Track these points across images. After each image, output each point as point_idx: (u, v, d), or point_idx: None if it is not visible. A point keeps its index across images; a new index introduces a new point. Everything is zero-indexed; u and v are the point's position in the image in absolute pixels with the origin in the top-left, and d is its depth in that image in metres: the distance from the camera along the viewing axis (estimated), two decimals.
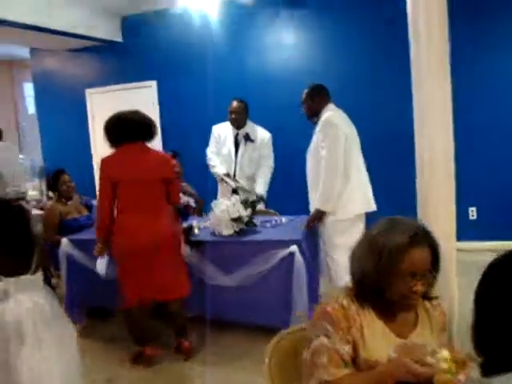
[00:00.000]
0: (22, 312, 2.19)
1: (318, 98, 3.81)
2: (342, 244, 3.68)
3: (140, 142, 3.38)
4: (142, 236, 3.29)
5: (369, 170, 3.87)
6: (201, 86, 6.39)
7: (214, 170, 4.85)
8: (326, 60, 6.03)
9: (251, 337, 3.73)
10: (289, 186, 5.42)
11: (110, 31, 6.53)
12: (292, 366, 1.99)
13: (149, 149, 3.46)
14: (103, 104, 6.97)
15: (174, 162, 3.60)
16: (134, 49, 6.69)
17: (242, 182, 4.69)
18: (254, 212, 3.89)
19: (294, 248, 3.49)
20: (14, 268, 2.26)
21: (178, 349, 3.62)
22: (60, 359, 2.24)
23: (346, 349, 1.61)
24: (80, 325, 3.81)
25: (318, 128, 3.74)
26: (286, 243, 3.54)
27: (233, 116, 4.73)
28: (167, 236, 3.41)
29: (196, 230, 3.84)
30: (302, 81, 5.53)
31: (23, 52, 7.62)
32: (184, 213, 3.76)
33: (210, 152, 4.90)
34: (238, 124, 4.73)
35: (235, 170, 4.79)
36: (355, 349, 1.63)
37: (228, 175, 4.73)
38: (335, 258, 3.77)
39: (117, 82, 6.83)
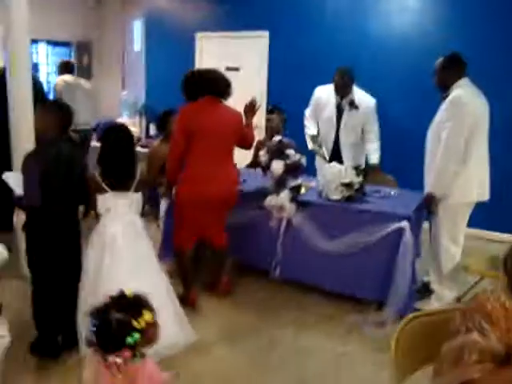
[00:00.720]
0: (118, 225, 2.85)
1: (452, 70, 3.52)
2: (450, 230, 3.59)
3: (216, 97, 3.49)
4: (213, 188, 3.41)
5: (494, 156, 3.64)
6: (314, 43, 6.18)
7: (305, 131, 4.86)
8: (458, 25, 5.50)
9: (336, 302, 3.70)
10: (399, 158, 5.14)
11: None
12: (417, 351, 1.89)
13: (223, 104, 3.58)
14: (212, 49, 6.92)
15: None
16: None
17: (325, 151, 4.66)
18: (365, 180, 3.73)
19: (404, 224, 3.36)
20: (119, 184, 2.86)
21: (212, 286, 3.81)
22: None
23: (501, 350, 1.48)
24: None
25: (443, 105, 3.49)
26: (396, 217, 3.41)
27: (338, 89, 4.56)
28: (233, 192, 3.59)
29: (303, 190, 3.74)
30: (432, 48, 5.31)
31: None
32: (294, 170, 3.65)
33: (308, 113, 4.87)
34: (342, 95, 4.58)
35: (337, 137, 4.67)
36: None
37: (315, 137, 4.71)
38: (443, 244, 3.60)
39: (228, 29, 6.71)
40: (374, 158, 4.51)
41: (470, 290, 3.79)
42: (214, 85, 3.49)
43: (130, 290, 1.89)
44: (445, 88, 3.54)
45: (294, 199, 3.63)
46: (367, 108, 4.54)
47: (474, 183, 3.52)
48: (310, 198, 3.73)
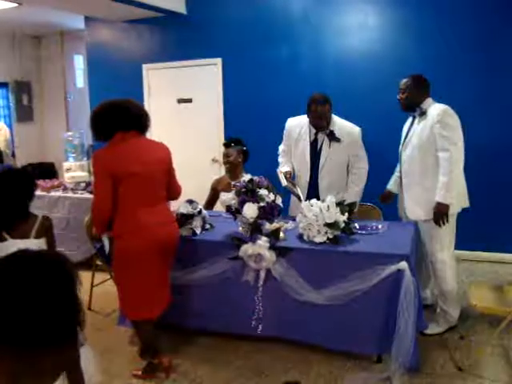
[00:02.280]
0: None
1: (422, 88, 3.62)
2: (449, 244, 3.61)
3: (133, 131, 3.00)
4: (161, 234, 3.01)
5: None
6: (272, 68, 5.80)
7: (278, 168, 4.14)
8: (417, 46, 5.29)
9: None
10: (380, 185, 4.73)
11: (172, 1, 5.95)
12: None
13: (147, 139, 3.16)
14: (161, 81, 6.44)
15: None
16: (199, 22, 6.09)
17: (300, 190, 3.90)
18: (351, 217, 3.29)
19: (403, 265, 2.93)
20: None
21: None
22: None
23: None
24: None
25: (429, 119, 3.49)
26: (393, 258, 2.98)
27: (315, 122, 3.87)
28: (177, 235, 3.20)
29: (282, 234, 3.27)
30: (388, 69, 5.08)
31: (76, 22, 7.13)
32: (270, 213, 3.18)
33: (281, 149, 4.25)
34: (319, 127, 3.90)
35: (314, 178, 3.97)
36: None
37: (288, 174, 3.96)
38: (445, 260, 3.57)
39: (177, 58, 6.26)
40: (352, 198, 3.85)
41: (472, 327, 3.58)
42: (135, 117, 3.00)
43: None
44: (414, 106, 3.62)
45: (273, 246, 3.15)
46: (351, 139, 3.88)
47: (464, 189, 3.65)
48: (290, 242, 3.26)
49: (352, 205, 3.35)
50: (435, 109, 3.50)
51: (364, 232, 3.40)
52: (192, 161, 6.05)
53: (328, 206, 3.20)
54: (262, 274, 3.22)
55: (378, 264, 2.96)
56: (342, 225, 3.18)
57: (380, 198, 4.08)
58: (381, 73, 5.33)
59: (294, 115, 4.20)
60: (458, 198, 3.51)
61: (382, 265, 2.96)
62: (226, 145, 4.35)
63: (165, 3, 5.81)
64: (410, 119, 3.80)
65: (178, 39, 6.22)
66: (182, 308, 3.43)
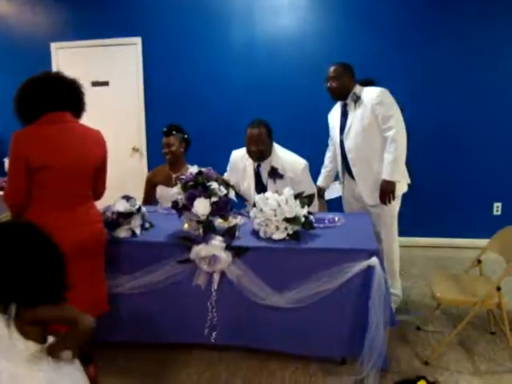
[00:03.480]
0: None
1: (352, 75, 3.60)
2: (395, 225, 3.68)
3: (67, 113, 2.52)
4: (74, 236, 2.45)
5: None
6: (199, 47, 5.40)
7: None
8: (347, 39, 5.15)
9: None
10: None
11: None
12: None
13: (81, 124, 2.63)
14: (72, 62, 5.77)
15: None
16: None
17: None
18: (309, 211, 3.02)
19: (373, 261, 2.71)
20: None
21: None
22: None
23: None
24: None
25: (367, 103, 3.50)
26: (362, 253, 2.75)
27: (251, 148, 3.55)
28: (101, 236, 2.70)
29: (236, 233, 2.94)
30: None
31: None
32: (223, 209, 2.84)
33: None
34: (258, 158, 3.61)
35: None
36: None
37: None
38: (393, 240, 3.69)
39: (91, 37, 5.65)
40: None
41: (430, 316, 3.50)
42: (71, 94, 2.53)
43: None
44: (346, 93, 3.58)
45: (229, 246, 2.81)
46: (295, 174, 3.56)
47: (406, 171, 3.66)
48: (246, 240, 2.93)
49: (311, 196, 3.07)
50: (370, 92, 3.52)
51: (322, 225, 3.15)
52: (110, 151, 5.40)
53: (286, 199, 2.91)
54: (216, 278, 2.88)
55: (347, 261, 2.72)
56: (303, 219, 2.90)
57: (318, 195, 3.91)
58: (312, 55, 5.15)
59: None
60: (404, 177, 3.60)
61: (350, 262, 2.72)
62: (167, 133, 3.92)
63: None
64: (337, 108, 3.76)
65: (93, 15, 5.59)
66: (125, 319, 3.03)
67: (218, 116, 5.33)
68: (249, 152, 3.60)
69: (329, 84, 3.58)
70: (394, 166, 3.40)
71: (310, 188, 3.51)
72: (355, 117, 3.56)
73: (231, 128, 4.68)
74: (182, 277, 2.93)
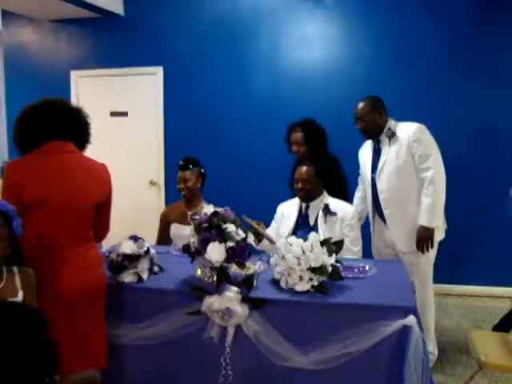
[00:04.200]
0: None
1: (383, 109, 3.38)
2: (430, 276, 3.45)
3: (69, 142, 2.31)
4: (70, 282, 2.22)
5: None
6: (221, 79, 5.20)
7: None
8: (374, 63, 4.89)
9: None
10: None
11: (109, 0, 5.19)
12: None
13: (84, 156, 2.41)
14: (92, 91, 5.63)
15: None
16: (138, 25, 5.38)
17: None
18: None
19: (411, 320, 2.35)
20: None
21: None
22: None
23: None
24: None
25: (403, 140, 3.27)
26: (397, 310, 2.39)
27: (299, 185, 3.38)
28: (102, 280, 2.43)
29: (254, 281, 2.61)
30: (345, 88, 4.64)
31: None
32: (240, 255, 2.53)
33: None
34: (307, 196, 3.42)
35: None
36: None
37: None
38: (428, 294, 3.42)
39: (112, 66, 5.50)
40: None
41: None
42: (73, 123, 2.33)
43: None
44: (379, 130, 3.37)
45: (245, 298, 2.48)
46: (345, 215, 3.35)
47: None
48: (264, 291, 2.60)
49: (340, 243, 2.74)
50: (406, 127, 3.31)
51: (350, 275, 2.80)
52: (126, 184, 5.24)
53: (312, 246, 2.58)
54: (231, 332, 2.54)
55: (380, 319, 2.37)
56: (330, 269, 2.57)
57: None
58: (340, 89, 4.88)
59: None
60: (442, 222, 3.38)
61: (384, 320, 2.36)
62: (184, 167, 3.66)
63: (100, 1, 5.06)
64: (368, 144, 3.52)
65: (113, 43, 5.48)
66: (128, 374, 2.71)
67: (239, 152, 5.06)
68: (296, 191, 3.45)
69: (357, 125, 3.40)
70: (432, 210, 3.18)
71: (357, 233, 3.37)
72: (389, 154, 3.34)
73: (252, 166, 4.40)
74: (192, 329, 2.60)
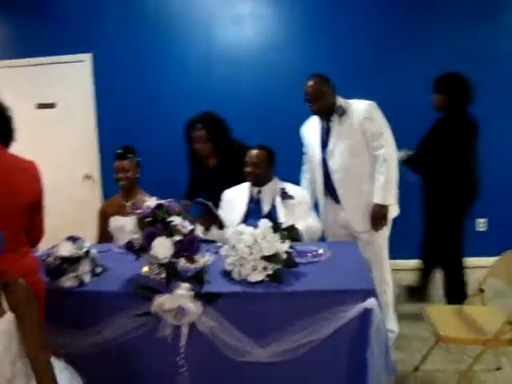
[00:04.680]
0: None
1: (332, 87, 3.27)
2: (387, 251, 3.41)
3: None
4: None
5: None
6: (154, 62, 4.96)
7: None
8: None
9: None
10: None
11: None
12: None
13: (11, 154, 2.16)
14: (14, 82, 5.25)
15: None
16: (62, 8, 5.04)
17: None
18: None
19: (371, 302, 2.27)
20: None
21: None
22: None
23: None
24: None
25: (354, 117, 3.21)
26: (357, 294, 2.31)
27: (249, 169, 3.31)
28: (39, 289, 2.15)
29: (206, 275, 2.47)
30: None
31: None
32: (188, 249, 2.38)
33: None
34: (257, 181, 3.35)
35: None
36: None
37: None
38: (387, 269, 3.39)
39: (35, 54, 5.13)
40: None
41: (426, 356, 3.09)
42: None
43: None
44: (330, 110, 3.27)
45: (198, 294, 2.34)
46: (302, 199, 3.36)
47: None
48: (217, 285, 2.46)
49: (292, 228, 2.63)
50: (357, 105, 3.25)
51: (304, 261, 2.71)
52: (59, 181, 4.93)
53: (263, 233, 2.46)
54: (185, 330, 2.39)
55: (339, 304, 2.29)
56: (284, 256, 2.46)
57: None
58: (275, 68, 4.78)
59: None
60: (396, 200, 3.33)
61: (343, 305, 2.28)
62: (121, 155, 3.48)
63: None
64: (314, 122, 3.42)
65: (36, 30, 5.08)
66: None
67: (176, 139, 4.85)
68: (246, 175, 3.35)
69: (312, 106, 3.27)
70: (386, 188, 3.15)
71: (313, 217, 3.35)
72: (341, 133, 3.27)
73: None
74: (143, 330, 2.43)
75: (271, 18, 4.88)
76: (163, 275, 2.42)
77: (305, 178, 3.70)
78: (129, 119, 5.02)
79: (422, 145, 3.80)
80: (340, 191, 3.32)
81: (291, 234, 2.57)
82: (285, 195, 3.28)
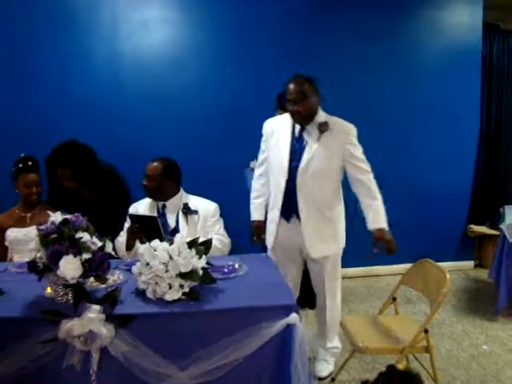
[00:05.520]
0: None
1: (319, 92, 3.02)
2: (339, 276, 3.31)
3: None
4: None
5: None
6: (56, 65, 4.63)
7: None
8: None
9: None
10: None
11: None
12: None
13: None
14: None
15: None
16: None
17: None
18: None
19: (294, 318, 2.23)
20: None
21: None
22: None
23: None
24: None
25: (337, 138, 3.03)
26: (278, 310, 2.26)
27: (144, 182, 3.22)
28: None
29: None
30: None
31: None
32: (99, 267, 2.18)
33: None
34: (152, 194, 3.26)
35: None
36: None
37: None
38: (339, 298, 3.30)
39: None
40: None
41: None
42: None
43: None
44: (312, 117, 3.03)
45: (110, 316, 2.16)
46: (207, 213, 3.27)
47: None
48: (130, 305, 2.30)
49: (208, 242, 2.52)
50: (342, 127, 3.07)
51: (221, 276, 2.61)
52: None
53: (179, 249, 2.34)
54: (95, 356, 2.20)
55: (260, 321, 2.21)
56: (201, 272, 2.35)
57: (255, 232, 3.40)
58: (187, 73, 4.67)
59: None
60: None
61: (265, 321, 2.21)
62: (32, 168, 3.22)
63: None
64: (284, 122, 3.16)
65: None
66: None
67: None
68: (145, 189, 3.25)
69: (293, 107, 2.99)
70: (383, 211, 3.02)
71: (222, 226, 3.28)
72: (319, 151, 3.01)
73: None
74: (49, 358, 2.21)
75: (180, 22, 4.76)
76: (70, 297, 2.21)
77: (257, 178, 3.40)
78: (24, 130, 4.58)
79: None
80: (303, 212, 3.09)
81: (207, 248, 2.46)
82: (187, 210, 3.17)
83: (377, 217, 3.00)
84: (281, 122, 3.20)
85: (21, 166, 3.25)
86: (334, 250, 3.21)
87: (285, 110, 3.73)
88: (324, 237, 3.13)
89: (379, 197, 3.04)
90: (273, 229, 3.24)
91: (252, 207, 3.41)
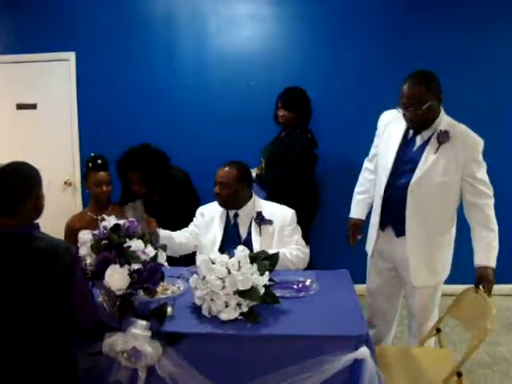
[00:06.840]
0: None
1: (441, 95, 2.58)
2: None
3: None
4: None
5: None
6: (143, 65, 4.61)
7: None
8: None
9: None
10: None
11: None
12: None
13: None
14: None
15: None
16: (45, 4, 4.65)
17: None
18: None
19: (363, 352, 1.91)
20: None
21: None
22: None
23: None
24: None
25: (458, 150, 2.52)
26: (346, 341, 1.95)
27: (216, 189, 2.90)
28: None
29: (169, 309, 2.11)
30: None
31: None
32: (150, 279, 2.00)
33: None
34: (226, 203, 2.94)
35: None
36: None
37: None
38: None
39: (15, 51, 4.75)
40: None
41: None
42: None
43: None
44: (430, 122, 2.57)
45: (157, 333, 1.97)
46: (283, 220, 2.91)
47: None
48: (182, 322, 2.10)
49: (275, 256, 2.26)
50: (467, 138, 2.55)
51: (288, 295, 2.33)
52: None
53: (239, 263, 2.10)
54: (142, 375, 2.02)
55: (325, 352, 1.93)
56: (262, 291, 2.09)
57: (350, 231, 3.02)
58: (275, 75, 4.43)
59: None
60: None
61: (329, 353, 1.93)
62: (103, 166, 3.17)
63: None
64: (398, 120, 2.68)
65: (17, 26, 4.72)
66: None
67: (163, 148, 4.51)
68: (216, 197, 2.96)
69: (404, 112, 2.55)
70: (495, 247, 2.52)
71: (300, 235, 2.93)
72: (436, 165, 2.55)
73: (179, 163, 3.81)
74: (97, 372, 2.07)
75: (270, 18, 4.53)
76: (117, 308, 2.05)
77: (367, 178, 2.99)
78: (112, 124, 4.65)
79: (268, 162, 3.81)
80: (410, 231, 2.65)
81: (273, 263, 2.19)
82: (260, 220, 2.87)
83: (487, 253, 2.50)
84: (397, 116, 2.68)
85: (90, 165, 3.19)
86: (439, 280, 2.76)
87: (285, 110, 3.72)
88: (430, 265, 2.68)
89: (496, 228, 2.53)
90: (372, 235, 2.86)
91: (353, 202, 3.03)
